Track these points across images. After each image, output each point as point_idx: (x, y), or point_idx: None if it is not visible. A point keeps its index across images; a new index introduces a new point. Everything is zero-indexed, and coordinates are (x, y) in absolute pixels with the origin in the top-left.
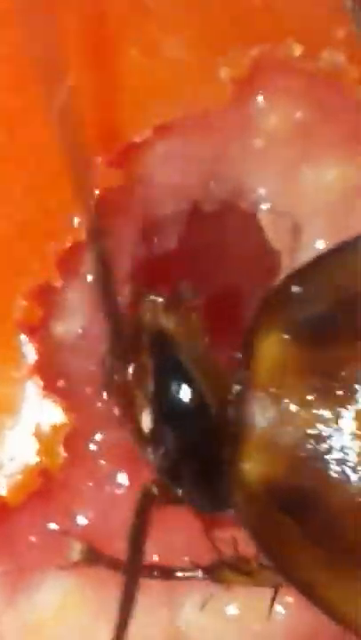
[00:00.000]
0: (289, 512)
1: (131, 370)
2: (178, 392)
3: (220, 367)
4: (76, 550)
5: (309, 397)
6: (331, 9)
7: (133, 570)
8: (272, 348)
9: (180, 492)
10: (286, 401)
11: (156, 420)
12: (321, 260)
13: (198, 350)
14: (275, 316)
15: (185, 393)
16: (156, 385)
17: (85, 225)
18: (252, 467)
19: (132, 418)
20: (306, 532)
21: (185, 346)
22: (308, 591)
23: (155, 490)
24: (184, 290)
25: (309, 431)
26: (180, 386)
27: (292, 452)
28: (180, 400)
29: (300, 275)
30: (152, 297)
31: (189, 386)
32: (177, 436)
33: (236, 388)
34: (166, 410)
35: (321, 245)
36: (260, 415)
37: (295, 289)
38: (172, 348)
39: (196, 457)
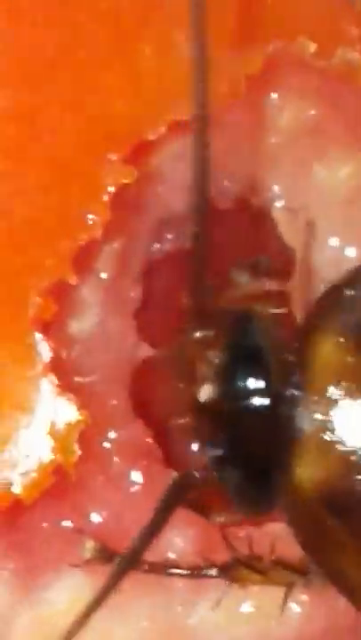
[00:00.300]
0: (339, 515)
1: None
2: (251, 385)
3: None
4: (88, 548)
5: None
6: (344, 7)
7: (144, 539)
8: (327, 351)
9: (223, 486)
10: (340, 405)
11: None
12: None
13: (277, 343)
14: (329, 320)
15: (259, 388)
16: (231, 368)
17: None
18: (304, 470)
19: (190, 383)
20: (355, 536)
21: (268, 336)
22: (352, 594)
23: (196, 475)
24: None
25: None
26: (256, 379)
27: (345, 456)
28: (250, 393)
29: (352, 278)
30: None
31: (264, 381)
32: (234, 430)
33: (291, 391)
34: (233, 398)
35: (335, 242)
36: (314, 419)
37: (348, 292)
38: (257, 333)
39: (248, 455)
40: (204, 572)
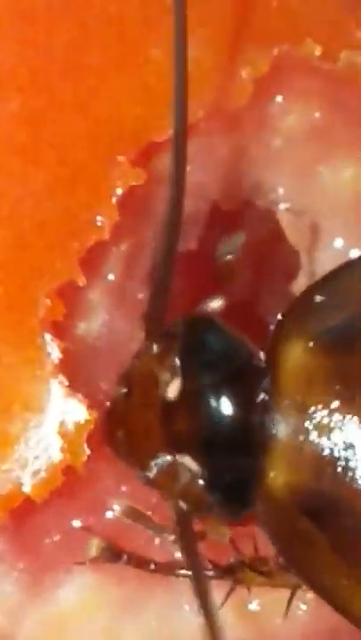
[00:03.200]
0: (313, 518)
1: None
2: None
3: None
4: (93, 546)
5: (334, 404)
6: (350, 10)
7: (199, 576)
8: (298, 356)
9: (209, 499)
10: (312, 408)
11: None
12: (343, 269)
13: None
14: (299, 325)
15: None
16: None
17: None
18: (277, 474)
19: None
20: (329, 538)
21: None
22: (328, 596)
23: (184, 506)
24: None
25: (334, 438)
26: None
27: (317, 458)
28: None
29: (323, 284)
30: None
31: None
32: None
33: (261, 396)
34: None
35: (339, 244)
36: (286, 423)
37: (318, 298)
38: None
39: (224, 464)
40: (210, 573)
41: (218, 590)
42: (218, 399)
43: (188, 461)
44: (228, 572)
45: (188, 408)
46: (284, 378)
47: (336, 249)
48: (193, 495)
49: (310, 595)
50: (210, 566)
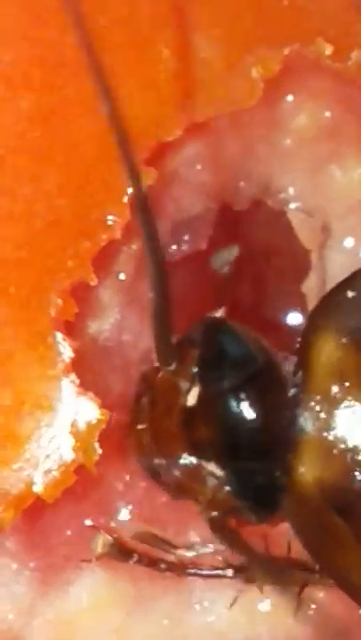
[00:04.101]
0: (342, 514)
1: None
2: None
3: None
4: (98, 543)
5: None
6: (359, 9)
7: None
8: (330, 352)
9: (238, 501)
10: (343, 404)
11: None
12: None
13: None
14: (332, 321)
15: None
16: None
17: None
18: (307, 469)
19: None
20: (357, 534)
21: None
22: (355, 592)
23: (214, 514)
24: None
25: None
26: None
27: (347, 454)
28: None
29: (355, 279)
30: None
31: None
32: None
33: (293, 391)
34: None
35: (350, 243)
36: (317, 418)
37: (350, 293)
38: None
39: (251, 470)
40: (221, 572)
41: (229, 590)
42: (237, 404)
43: (212, 468)
44: (239, 572)
45: (208, 415)
46: (317, 373)
47: (347, 248)
48: (221, 502)
49: (321, 594)
50: (221, 566)
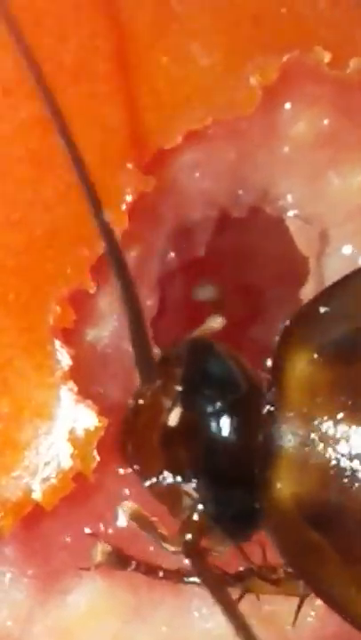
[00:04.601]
0: (319, 529)
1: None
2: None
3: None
4: (98, 552)
5: (339, 415)
6: (359, 17)
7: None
8: (303, 367)
9: (214, 521)
10: (317, 420)
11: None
12: (350, 277)
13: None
14: (304, 337)
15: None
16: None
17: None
18: (284, 485)
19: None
20: (336, 548)
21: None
22: (339, 606)
23: (188, 537)
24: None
25: (340, 449)
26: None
27: (323, 469)
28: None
29: (328, 293)
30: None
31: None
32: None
33: (267, 408)
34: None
35: (348, 251)
36: (292, 434)
37: (323, 309)
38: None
39: (228, 493)
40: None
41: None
42: (216, 428)
43: (189, 488)
44: (238, 580)
45: (188, 436)
46: (290, 389)
47: (345, 255)
48: (196, 523)
49: (320, 601)
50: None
